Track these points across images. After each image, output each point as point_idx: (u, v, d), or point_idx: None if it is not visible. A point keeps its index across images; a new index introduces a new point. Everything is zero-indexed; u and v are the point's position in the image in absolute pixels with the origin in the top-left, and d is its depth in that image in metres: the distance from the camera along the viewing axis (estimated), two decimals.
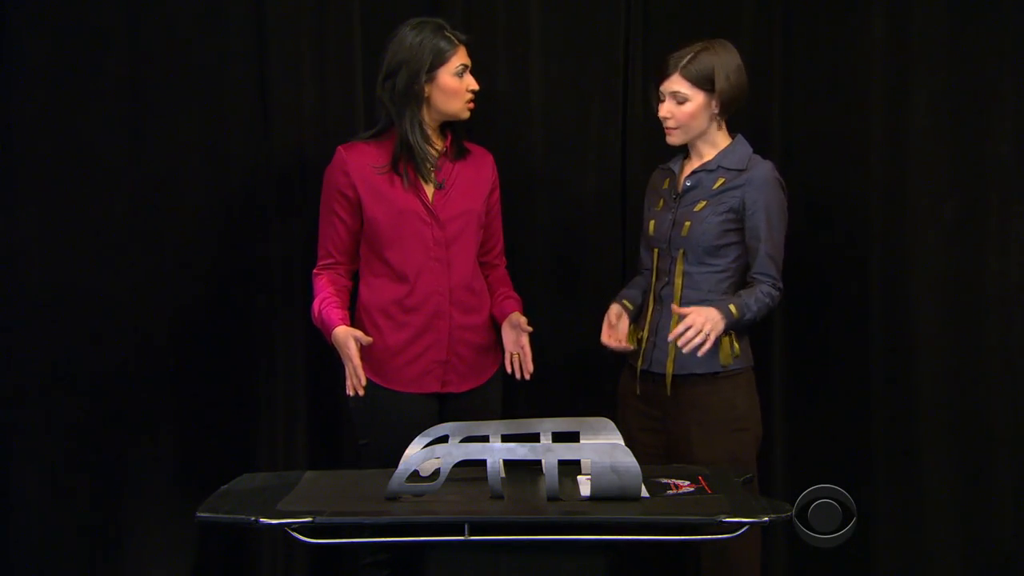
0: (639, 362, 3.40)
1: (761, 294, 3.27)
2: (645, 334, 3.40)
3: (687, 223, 3.33)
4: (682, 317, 3.15)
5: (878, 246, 3.83)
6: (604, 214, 3.89)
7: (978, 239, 3.79)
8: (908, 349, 3.83)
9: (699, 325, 3.11)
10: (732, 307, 3.21)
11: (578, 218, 3.91)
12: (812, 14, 3.85)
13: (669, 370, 3.33)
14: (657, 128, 3.56)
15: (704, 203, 3.33)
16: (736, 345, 3.30)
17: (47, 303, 3.74)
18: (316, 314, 3.38)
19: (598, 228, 3.89)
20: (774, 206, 3.31)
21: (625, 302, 3.45)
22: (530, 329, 3.39)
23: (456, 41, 3.39)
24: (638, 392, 3.40)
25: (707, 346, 3.12)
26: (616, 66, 3.87)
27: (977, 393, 3.82)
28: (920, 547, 3.86)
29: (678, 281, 3.35)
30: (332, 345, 3.32)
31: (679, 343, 3.12)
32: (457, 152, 3.48)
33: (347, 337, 3.28)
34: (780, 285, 3.32)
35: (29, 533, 3.76)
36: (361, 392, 3.28)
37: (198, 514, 2.72)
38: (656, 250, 3.40)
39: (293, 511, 2.70)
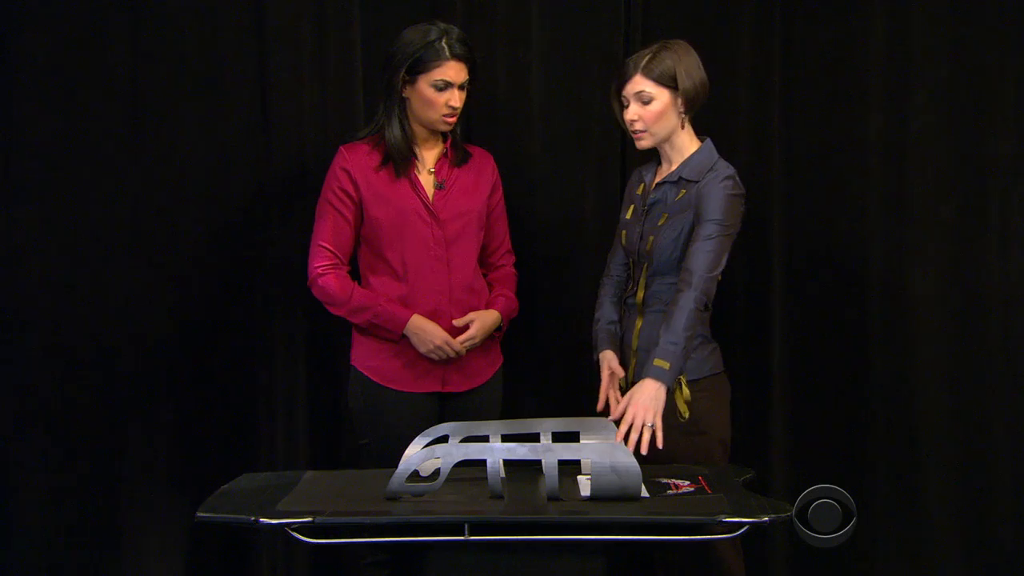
0: None
1: (680, 314, 3.12)
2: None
3: (651, 237, 3.30)
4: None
5: (878, 246, 3.83)
6: (604, 214, 3.89)
7: (978, 239, 3.79)
8: (908, 349, 3.83)
9: (639, 420, 3.01)
10: (659, 362, 3.08)
11: (578, 218, 3.91)
12: (812, 14, 3.84)
13: (630, 375, 3.31)
14: None
15: (666, 216, 3.30)
16: (686, 391, 3.22)
17: (47, 303, 3.74)
18: (371, 307, 3.38)
19: (598, 228, 3.89)
20: (717, 215, 3.19)
21: (611, 350, 3.38)
22: (470, 337, 3.42)
23: (448, 54, 3.32)
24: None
25: (659, 435, 3.01)
26: (616, 66, 3.86)
27: (977, 393, 3.82)
28: (920, 547, 3.86)
29: (640, 293, 3.33)
30: (399, 336, 3.38)
31: (629, 447, 2.96)
32: (457, 154, 3.47)
33: (440, 333, 3.38)
34: (708, 275, 3.15)
35: (29, 533, 3.76)
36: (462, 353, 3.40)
37: (198, 514, 2.72)
38: (630, 260, 3.40)
39: (293, 511, 2.70)
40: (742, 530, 2.66)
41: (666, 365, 3.08)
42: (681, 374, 3.18)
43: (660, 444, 3.02)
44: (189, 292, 3.81)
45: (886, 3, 3.79)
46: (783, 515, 2.68)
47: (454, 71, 3.34)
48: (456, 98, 3.35)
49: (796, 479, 3.80)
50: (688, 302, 3.13)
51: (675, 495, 2.84)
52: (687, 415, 3.23)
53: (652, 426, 3.01)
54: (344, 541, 2.91)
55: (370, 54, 3.72)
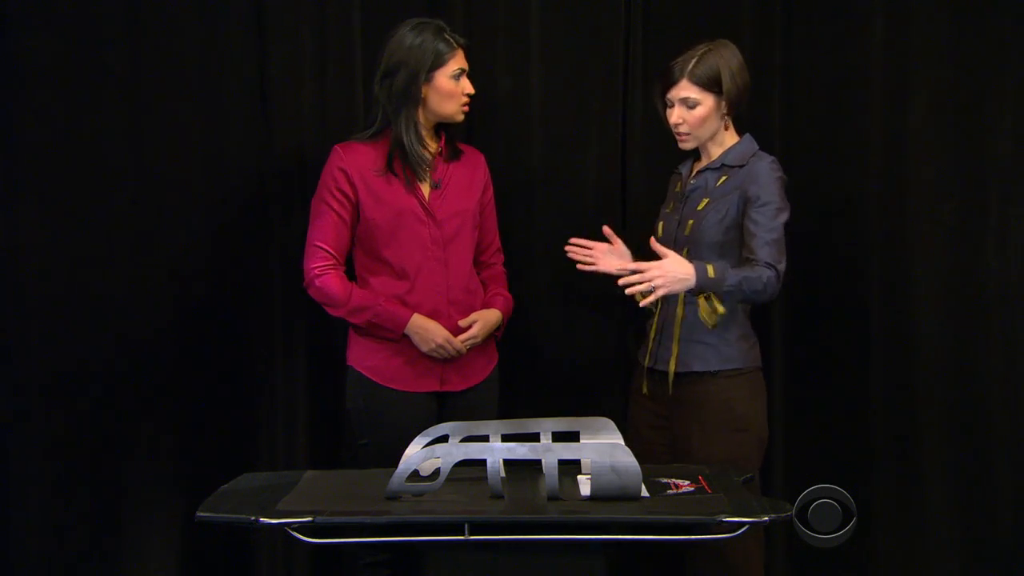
0: (646, 359, 3.41)
1: (752, 272, 3.20)
2: (652, 333, 3.41)
3: (690, 221, 3.33)
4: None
5: (878, 246, 3.83)
6: (604, 214, 3.88)
7: (978, 239, 3.79)
8: (908, 349, 3.83)
9: (649, 275, 3.10)
10: (710, 267, 3.16)
11: (578, 218, 3.91)
12: (812, 14, 3.85)
13: (671, 368, 3.33)
14: (657, 128, 3.56)
15: (707, 200, 3.33)
16: (718, 306, 3.25)
17: (47, 303, 3.73)
18: (371, 307, 3.38)
19: (598, 229, 3.88)
20: (772, 197, 3.28)
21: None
22: (473, 336, 3.43)
23: (455, 44, 3.40)
24: (645, 390, 3.41)
25: (649, 299, 3.12)
26: (616, 66, 3.87)
27: (977, 393, 3.82)
28: (920, 547, 3.86)
29: None
30: (399, 335, 3.39)
31: (619, 281, 3.11)
32: (451, 152, 3.48)
33: (442, 331, 3.38)
34: (780, 268, 3.24)
35: (29, 533, 3.75)
36: (463, 352, 3.40)
37: (198, 514, 2.72)
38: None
39: (293, 511, 2.70)
40: (742, 530, 2.66)
41: (711, 273, 3.15)
42: (712, 292, 3.20)
43: (642, 303, 3.14)
44: (189, 291, 3.80)
45: (886, 3, 3.79)
46: (783, 515, 2.68)
47: (462, 58, 3.41)
48: (469, 84, 3.42)
49: (796, 479, 3.80)
50: (759, 274, 3.19)
51: (675, 495, 2.84)
52: (711, 324, 3.27)
53: (652, 290, 3.10)
54: (344, 541, 2.91)
55: (370, 54, 3.72)
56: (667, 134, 3.45)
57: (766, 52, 3.84)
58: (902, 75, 3.80)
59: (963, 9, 3.76)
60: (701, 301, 3.25)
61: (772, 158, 3.36)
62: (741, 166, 3.33)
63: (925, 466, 3.84)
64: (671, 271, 3.12)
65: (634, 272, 3.13)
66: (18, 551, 3.76)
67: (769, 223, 3.25)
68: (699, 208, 3.34)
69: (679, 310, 3.34)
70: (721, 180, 3.34)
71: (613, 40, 3.87)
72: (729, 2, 3.86)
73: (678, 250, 3.32)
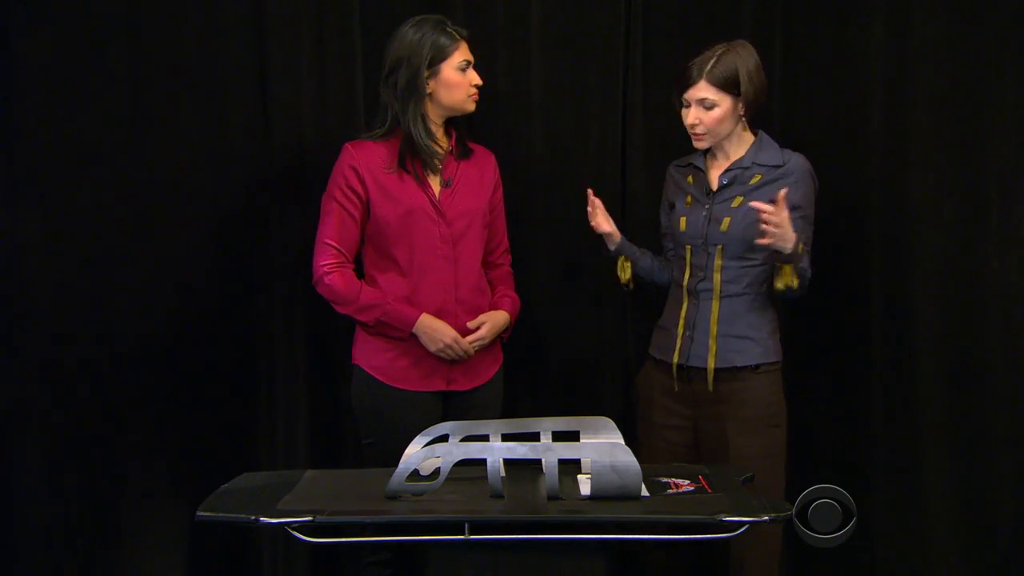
0: (675, 357, 3.39)
1: (808, 269, 3.29)
2: (680, 329, 3.40)
3: (726, 219, 3.33)
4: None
5: (878, 246, 3.83)
6: None
7: (978, 239, 3.78)
8: (908, 349, 3.83)
9: (783, 223, 3.13)
10: (800, 244, 3.21)
11: (578, 218, 3.90)
12: (812, 14, 3.85)
13: (711, 365, 3.32)
14: (656, 128, 3.57)
15: (741, 199, 3.33)
16: (795, 277, 3.26)
17: (47, 302, 3.74)
18: (379, 306, 3.38)
19: None
20: (809, 199, 3.35)
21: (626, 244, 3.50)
22: (481, 338, 3.43)
23: (457, 36, 3.40)
24: (675, 388, 3.40)
25: (767, 237, 3.13)
26: (616, 66, 3.87)
27: (977, 393, 3.82)
28: (920, 547, 3.86)
29: (717, 276, 3.35)
30: (407, 334, 3.39)
31: (760, 205, 3.13)
32: (461, 151, 3.48)
33: (450, 332, 3.38)
34: (809, 274, 3.34)
35: (30, 532, 3.76)
36: (471, 353, 3.41)
37: (198, 513, 2.72)
38: (689, 247, 3.39)
39: (293, 510, 2.70)
40: (742, 529, 2.66)
41: (800, 249, 3.20)
42: (793, 264, 3.23)
43: (767, 239, 3.14)
44: (189, 291, 3.80)
45: (886, 3, 3.79)
46: (783, 515, 2.68)
47: (466, 50, 3.42)
48: (476, 76, 3.42)
49: (796, 479, 3.80)
50: (807, 273, 3.28)
51: (675, 494, 2.84)
52: (783, 290, 3.27)
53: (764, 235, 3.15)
54: (344, 540, 2.92)
55: (370, 52, 3.72)
56: (666, 133, 3.45)
57: (766, 52, 3.82)
58: (902, 75, 3.79)
59: (963, 10, 3.76)
60: (786, 269, 3.25)
61: (803, 156, 3.39)
62: (777, 166, 3.35)
63: (925, 466, 3.84)
64: (789, 229, 3.15)
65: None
66: (19, 552, 3.76)
67: (809, 231, 3.33)
68: (734, 206, 3.34)
69: (714, 305, 3.34)
70: (756, 179, 3.34)
71: (613, 40, 3.87)
72: (729, 2, 3.86)
73: (709, 247, 3.33)
